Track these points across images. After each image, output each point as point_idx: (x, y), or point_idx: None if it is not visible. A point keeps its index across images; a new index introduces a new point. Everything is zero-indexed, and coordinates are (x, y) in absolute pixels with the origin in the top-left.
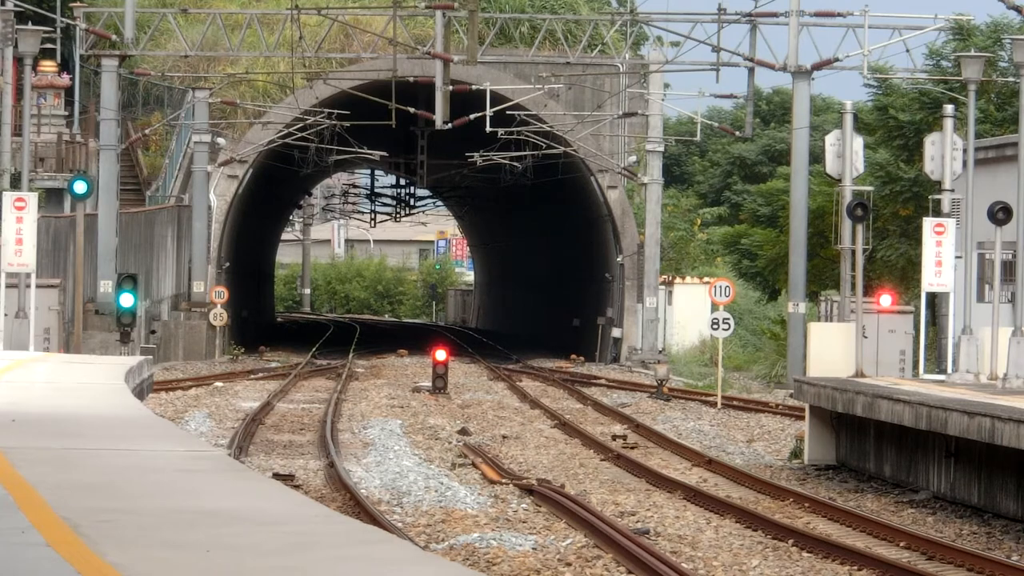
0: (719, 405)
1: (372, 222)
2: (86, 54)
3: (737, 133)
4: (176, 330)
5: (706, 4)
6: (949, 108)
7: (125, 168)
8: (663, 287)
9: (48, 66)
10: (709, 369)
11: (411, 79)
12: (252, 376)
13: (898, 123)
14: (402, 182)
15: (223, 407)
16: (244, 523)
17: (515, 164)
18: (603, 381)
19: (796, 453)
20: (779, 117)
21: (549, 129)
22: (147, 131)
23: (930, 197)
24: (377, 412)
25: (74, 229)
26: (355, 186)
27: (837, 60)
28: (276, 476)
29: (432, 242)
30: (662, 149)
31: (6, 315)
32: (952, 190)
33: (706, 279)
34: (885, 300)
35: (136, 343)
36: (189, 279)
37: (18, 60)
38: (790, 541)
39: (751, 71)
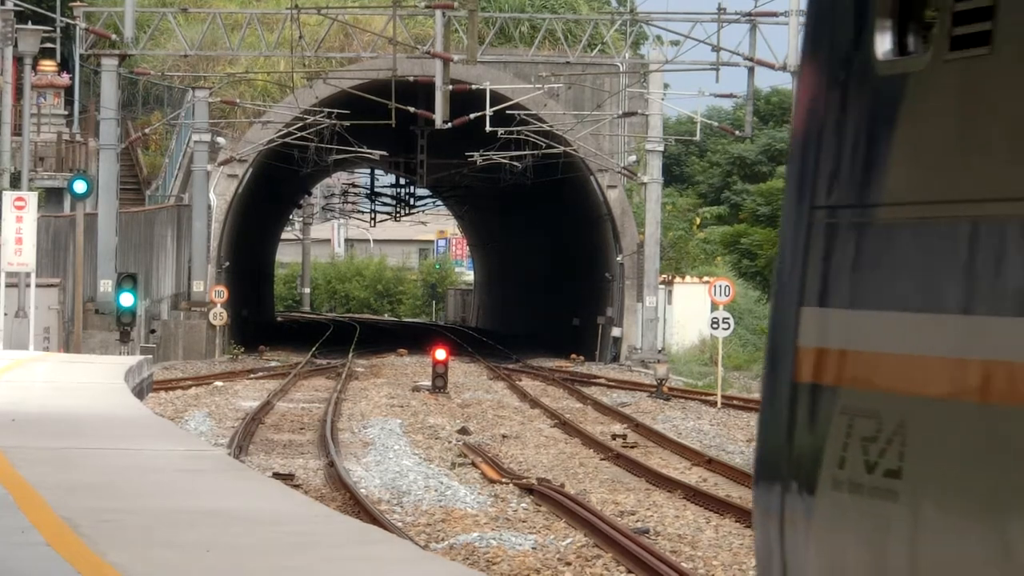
0: (719, 404)
1: (372, 221)
2: (86, 53)
3: (737, 133)
4: (176, 329)
5: (706, 4)
6: None
7: (125, 167)
8: (663, 286)
9: (48, 65)
10: (709, 368)
11: (411, 79)
12: (252, 375)
13: None
14: (402, 181)
15: (223, 406)
16: (244, 523)
17: (515, 164)
18: (603, 380)
19: None
20: (779, 117)
21: (549, 129)
22: (147, 130)
23: None
24: (377, 411)
25: (74, 228)
26: (355, 185)
27: None
28: (276, 475)
29: (432, 242)
30: (662, 149)
31: (6, 314)
32: None
33: (706, 279)
34: None
35: (136, 342)
36: (189, 278)
37: (18, 59)
38: None
39: (751, 71)
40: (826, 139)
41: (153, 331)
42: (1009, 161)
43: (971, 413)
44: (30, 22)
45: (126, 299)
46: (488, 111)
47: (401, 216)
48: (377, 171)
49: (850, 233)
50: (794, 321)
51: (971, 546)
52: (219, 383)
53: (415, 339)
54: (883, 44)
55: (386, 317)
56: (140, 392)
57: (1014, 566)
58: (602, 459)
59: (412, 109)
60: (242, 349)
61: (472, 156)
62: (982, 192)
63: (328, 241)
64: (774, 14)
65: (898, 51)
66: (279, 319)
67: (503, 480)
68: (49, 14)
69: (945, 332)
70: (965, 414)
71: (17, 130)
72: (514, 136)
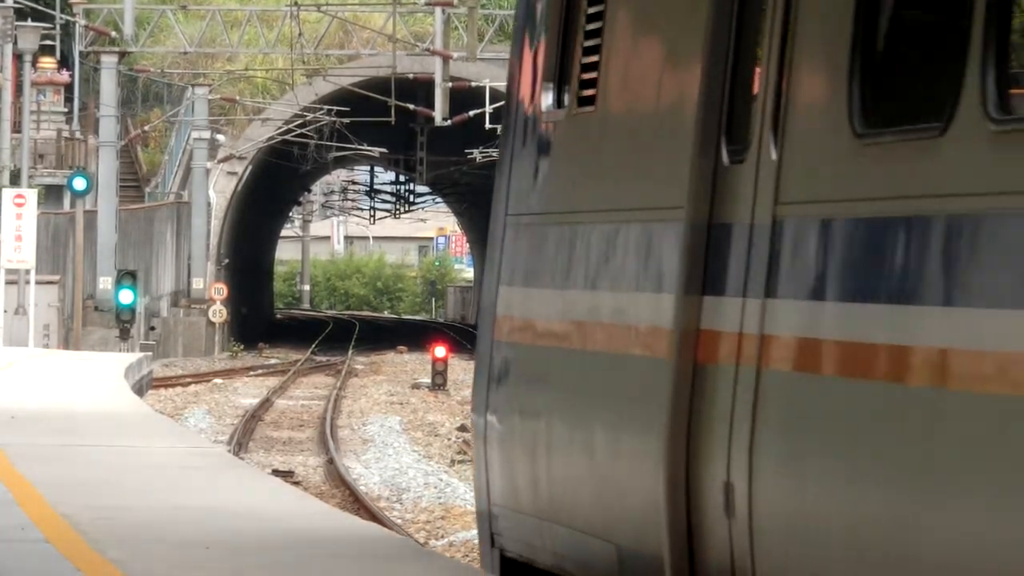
0: None
1: (371, 219)
2: (86, 51)
3: None
4: (175, 327)
5: None
6: None
7: (124, 165)
8: None
9: (48, 63)
10: None
11: (410, 76)
12: (251, 373)
13: None
14: (401, 179)
15: (222, 404)
16: (243, 520)
17: None
18: None
19: None
20: None
21: None
22: (147, 128)
23: None
24: (376, 409)
25: (73, 226)
26: (354, 183)
27: None
28: (275, 473)
29: (431, 239)
30: None
31: (5, 311)
32: None
33: None
34: None
35: (135, 340)
36: (188, 276)
37: (18, 57)
38: None
39: None
40: (515, 164)
41: (153, 328)
42: (607, 185)
43: (582, 358)
44: (30, 19)
45: (125, 296)
46: (488, 108)
47: (401, 213)
48: (377, 168)
49: (523, 233)
50: (495, 297)
51: (581, 448)
52: (219, 380)
53: (414, 336)
54: (546, 100)
55: (385, 314)
56: (140, 389)
57: (598, 457)
58: None
59: (412, 106)
60: (241, 346)
61: (472, 153)
62: (592, 206)
63: (328, 238)
64: None
65: (555, 106)
66: (278, 316)
67: None
68: (49, 11)
69: (565, 301)
70: (579, 359)
71: (17, 127)
72: None
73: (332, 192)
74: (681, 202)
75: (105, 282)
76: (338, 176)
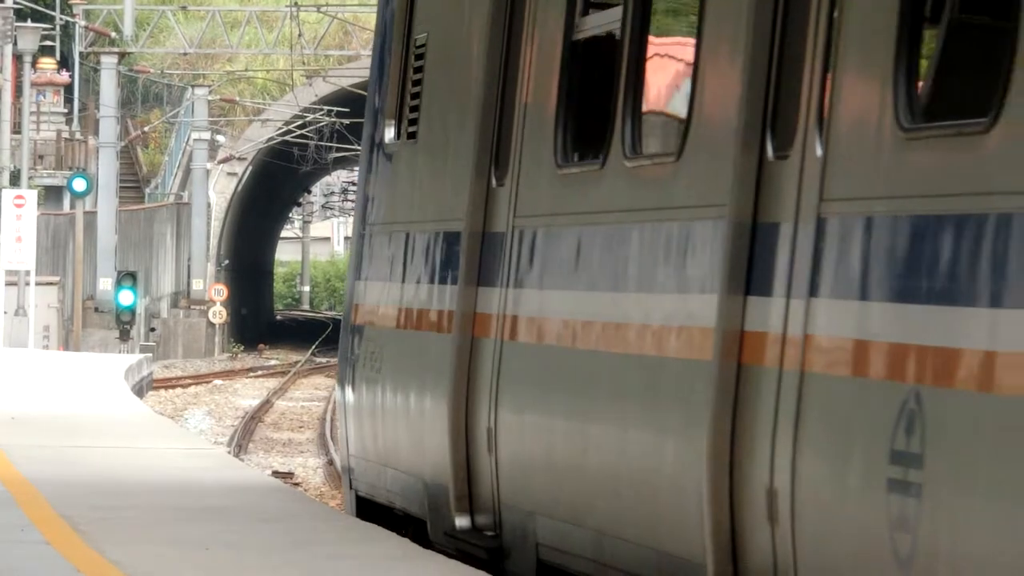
0: None
1: None
2: (85, 51)
3: None
4: (175, 328)
5: None
6: None
7: (124, 166)
8: None
9: (47, 63)
10: None
11: None
12: (251, 374)
13: None
14: None
15: (222, 405)
16: (243, 520)
17: None
18: None
19: None
20: None
21: None
22: (146, 128)
23: None
24: None
25: (73, 227)
26: (355, 184)
27: None
28: (275, 474)
29: None
30: None
31: (5, 313)
32: None
33: None
34: None
35: (135, 341)
36: (188, 277)
37: (17, 57)
38: None
39: None
40: (368, 184)
41: (153, 329)
42: (420, 201)
43: (401, 337)
44: (29, 20)
45: (125, 297)
46: None
47: None
48: None
49: (369, 239)
50: (353, 289)
51: (401, 407)
52: (218, 381)
53: None
54: (389, 133)
55: None
56: (140, 390)
57: (411, 414)
58: None
59: None
60: (241, 347)
61: None
62: (409, 218)
63: (328, 239)
64: None
65: (396, 137)
66: (278, 317)
67: None
68: (49, 12)
69: (394, 292)
70: (399, 338)
71: (17, 128)
72: None
73: (332, 193)
74: (464, 215)
75: (105, 283)
76: (338, 177)
